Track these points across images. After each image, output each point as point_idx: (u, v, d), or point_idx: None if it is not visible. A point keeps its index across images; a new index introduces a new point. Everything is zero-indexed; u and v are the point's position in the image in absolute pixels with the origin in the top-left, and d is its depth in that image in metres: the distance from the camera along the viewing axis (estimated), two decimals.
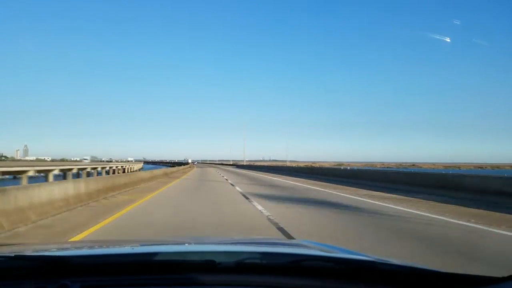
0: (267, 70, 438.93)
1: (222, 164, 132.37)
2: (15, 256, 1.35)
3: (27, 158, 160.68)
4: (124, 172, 56.55)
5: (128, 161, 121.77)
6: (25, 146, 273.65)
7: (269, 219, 7.08)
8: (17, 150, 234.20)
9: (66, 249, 1.96)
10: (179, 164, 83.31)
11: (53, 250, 1.80)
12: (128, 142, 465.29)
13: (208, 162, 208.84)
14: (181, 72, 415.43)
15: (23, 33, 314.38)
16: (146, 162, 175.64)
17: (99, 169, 57.96)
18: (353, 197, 11.76)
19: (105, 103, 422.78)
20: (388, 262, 1.35)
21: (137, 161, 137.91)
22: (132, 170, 72.23)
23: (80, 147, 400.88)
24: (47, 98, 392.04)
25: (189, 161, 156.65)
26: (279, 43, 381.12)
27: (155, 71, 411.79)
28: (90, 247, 2.01)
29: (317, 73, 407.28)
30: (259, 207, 8.81)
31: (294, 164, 75.43)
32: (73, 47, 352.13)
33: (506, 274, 1.22)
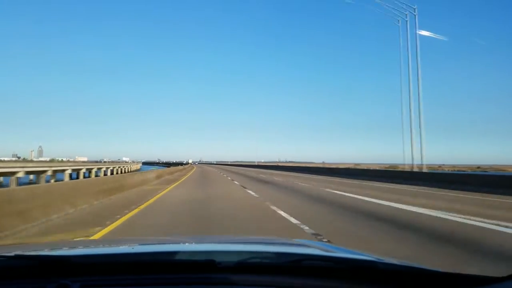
0: (284, 71, 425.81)
1: (241, 165, 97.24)
2: (15, 255, 1.34)
3: (41, 158, 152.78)
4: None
5: (120, 162, 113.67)
6: (40, 147, 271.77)
7: None
8: (31, 151, 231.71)
9: (66, 248, 1.90)
10: (175, 164, 77.30)
11: (53, 250, 1.76)
12: (142, 142, 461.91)
13: (222, 163, 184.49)
14: (193, 73, 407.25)
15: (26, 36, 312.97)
16: (148, 163, 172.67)
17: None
18: None
19: (119, 103, 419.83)
20: (389, 262, 1.34)
21: (137, 162, 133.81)
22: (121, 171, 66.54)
23: (93, 147, 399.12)
24: (60, 100, 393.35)
25: (190, 161, 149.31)
26: (290, 45, 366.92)
27: (169, 73, 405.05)
28: (91, 247, 2.01)
29: (329, 74, 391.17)
30: None
31: (331, 166, 59.85)
32: (76, 48, 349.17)
33: (505, 274, 1.20)
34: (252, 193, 13.70)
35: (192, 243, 1.98)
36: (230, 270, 1.25)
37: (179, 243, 2.03)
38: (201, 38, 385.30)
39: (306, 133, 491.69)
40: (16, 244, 3.00)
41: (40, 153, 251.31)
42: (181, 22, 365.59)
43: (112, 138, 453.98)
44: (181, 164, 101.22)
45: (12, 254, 1.34)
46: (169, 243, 2.05)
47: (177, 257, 1.39)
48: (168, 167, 49.56)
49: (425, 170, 24.45)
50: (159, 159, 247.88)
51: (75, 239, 5.40)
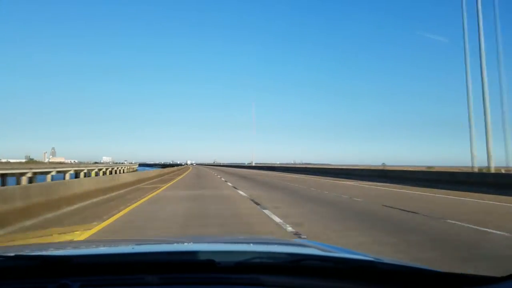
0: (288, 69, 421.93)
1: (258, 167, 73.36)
2: (15, 255, 1.34)
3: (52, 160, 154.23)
4: None
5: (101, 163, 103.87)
6: (53, 148, 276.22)
7: None
8: (44, 153, 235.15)
9: (66, 248, 1.93)
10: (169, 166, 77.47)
11: (53, 250, 1.77)
12: (145, 143, 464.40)
13: (233, 165, 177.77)
14: (197, 74, 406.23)
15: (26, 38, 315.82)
16: (146, 165, 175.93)
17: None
18: None
19: (125, 104, 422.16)
20: (388, 262, 1.33)
21: (125, 163, 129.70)
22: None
23: (100, 147, 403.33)
24: (70, 101, 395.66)
25: (188, 162, 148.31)
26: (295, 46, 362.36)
27: (171, 73, 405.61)
28: (90, 247, 2.02)
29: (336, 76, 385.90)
30: None
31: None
32: (75, 48, 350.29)
33: (505, 274, 1.20)
34: None
35: (191, 243, 2.02)
36: (230, 270, 1.26)
37: (178, 243, 2.05)
38: (205, 38, 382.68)
39: (307, 134, 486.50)
40: (17, 245, 3.11)
41: (53, 154, 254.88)
42: (181, 22, 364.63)
43: (119, 139, 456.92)
44: (171, 165, 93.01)
45: (12, 254, 1.35)
46: (169, 243, 2.07)
47: (177, 257, 1.41)
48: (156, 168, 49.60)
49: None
50: (172, 161, 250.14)
51: (75, 240, 5.48)
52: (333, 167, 48.62)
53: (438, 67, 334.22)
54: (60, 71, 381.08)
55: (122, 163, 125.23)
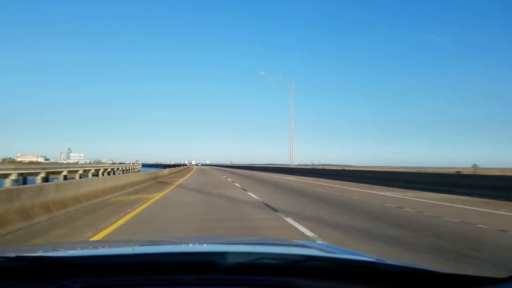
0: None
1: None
2: (16, 256, 1.35)
3: (68, 161, 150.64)
4: None
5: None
6: (69, 149, 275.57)
7: None
8: (61, 153, 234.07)
9: (67, 249, 1.94)
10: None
11: (54, 251, 1.79)
12: (165, 143, 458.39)
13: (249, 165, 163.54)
14: (204, 72, 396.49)
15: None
16: (154, 165, 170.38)
17: None
18: None
19: (137, 105, 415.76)
20: (389, 263, 1.34)
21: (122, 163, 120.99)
22: None
23: (127, 150, 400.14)
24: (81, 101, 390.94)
25: (193, 162, 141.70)
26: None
27: (175, 73, 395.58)
28: (91, 248, 2.04)
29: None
30: None
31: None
32: (77, 48, 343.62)
33: (506, 275, 1.21)
34: None
35: (192, 244, 2.03)
36: (231, 271, 1.26)
37: (179, 244, 2.06)
38: (215, 38, 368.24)
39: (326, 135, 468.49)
40: (17, 245, 3.44)
41: (69, 155, 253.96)
42: (184, 22, 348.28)
43: (133, 138, 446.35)
44: (171, 166, 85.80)
45: (13, 255, 1.35)
46: (170, 244, 2.06)
47: (178, 258, 1.41)
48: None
49: None
50: (188, 161, 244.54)
51: (75, 240, 5.58)
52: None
53: (439, 67, 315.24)
54: (63, 72, 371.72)
55: (122, 162, 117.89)
